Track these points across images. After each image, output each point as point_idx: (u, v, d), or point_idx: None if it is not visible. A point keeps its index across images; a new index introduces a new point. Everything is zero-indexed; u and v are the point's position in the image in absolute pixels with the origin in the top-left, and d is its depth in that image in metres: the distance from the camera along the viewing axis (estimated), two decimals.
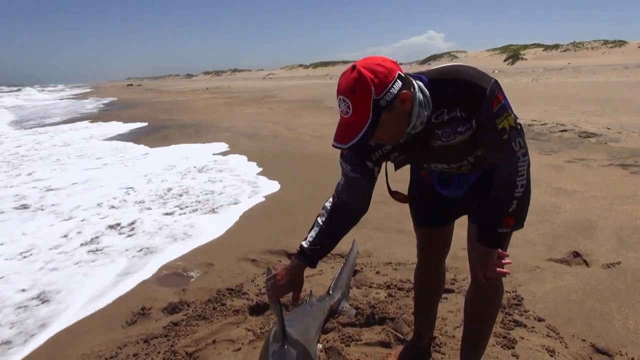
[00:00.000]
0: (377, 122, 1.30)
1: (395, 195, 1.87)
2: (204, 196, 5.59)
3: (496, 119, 1.40)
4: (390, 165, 1.72)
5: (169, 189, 6.03)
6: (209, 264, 3.48)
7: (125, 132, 12.38)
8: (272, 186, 5.83)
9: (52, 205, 5.51)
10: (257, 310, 2.73)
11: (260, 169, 6.81)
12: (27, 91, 63.21)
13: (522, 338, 2.30)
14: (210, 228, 4.41)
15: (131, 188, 6.17)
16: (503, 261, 1.57)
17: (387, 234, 3.80)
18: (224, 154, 8.26)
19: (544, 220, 3.93)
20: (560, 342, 2.28)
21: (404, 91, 1.32)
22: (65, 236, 4.42)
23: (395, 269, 3.19)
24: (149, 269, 3.53)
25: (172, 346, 2.38)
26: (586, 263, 3.16)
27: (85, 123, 15.60)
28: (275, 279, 1.69)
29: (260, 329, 2.49)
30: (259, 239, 3.92)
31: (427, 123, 1.43)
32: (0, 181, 6.99)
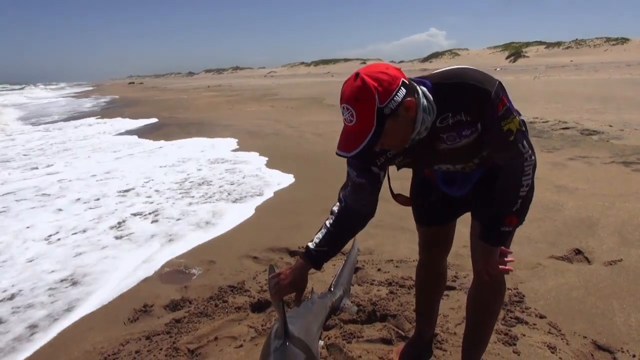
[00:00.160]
0: (381, 130, 1.30)
1: (398, 198, 1.88)
2: (228, 186, 5.90)
3: (502, 122, 1.40)
4: (393, 168, 1.73)
5: (185, 179, 6.38)
6: (210, 261, 3.49)
7: (134, 128, 12.73)
8: (288, 179, 6.04)
9: (75, 194, 5.85)
10: (258, 307, 2.73)
11: (271, 164, 6.97)
12: (31, 89, 63.49)
13: (524, 335, 2.30)
14: (233, 216, 4.65)
15: (150, 179, 6.53)
16: (506, 259, 1.57)
17: (388, 232, 3.80)
18: (234, 150, 8.44)
19: (545, 217, 3.93)
20: (562, 339, 2.28)
21: (408, 98, 1.31)
22: (92, 221, 4.75)
23: (396, 266, 3.19)
24: (173, 253, 3.77)
25: (174, 343, 2.38)
26: (588, 260, 3.16)
27: (93, 119, 16.13)
28: (279, 278, 1.69)
29: (262, 326, 2.49)
30: (261, 236, 3.93)
31: (431, 127, 1.43)
32: (20, 174, 7.28)
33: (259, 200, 5.17)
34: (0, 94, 51.19)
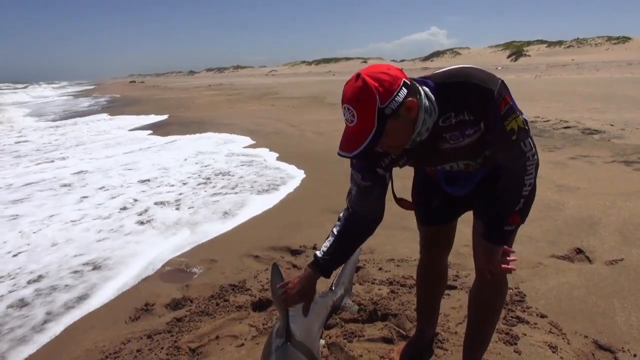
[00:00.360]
0: (382, 130, 1.30)
1: (401, 202, 1.88)
2: (249, 177, 6.18)
3: (504, 121, 1.40)
4: (396, 172, 1.73)
5: (202, 171, 6.69)
6: (211, 260, 3.49)
7: (145, 124, 13.04)
8: (301, 174, 6.20)
9: (95, 184, 6.16)
10: (260, 306, 2.74)
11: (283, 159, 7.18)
12: (34, 88, 63.60)
13: (525, 334, 2.30)
14: (256, 207, 4.86)
15: (166, 169, 6.90)
16: (508, 258, 1.57)
17: (389, 231, 3.80)
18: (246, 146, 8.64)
19: (546, 217, 3.93)
20: (563, 338, 2.28)
21: (410, 98, 1.31)
22: (115, 208, 5.04)
23: (397, 266, 3.19)
24: (193, 241, 3.98)
25: (175, 342, 2.39)
26: (589, 260, 3.15)
27: (104, 115, 16.77)
28: (287, 287, 1.69)
29: (263, 324, 2.49)
30: (262, 235, 3.93)
31: (434, 127, 1.43)
32: (37, 166, 7.66)
33: (283, 192, 5.39)
34: (4, 92, 51.47)
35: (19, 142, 10.75)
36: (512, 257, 1.57)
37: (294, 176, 6.10)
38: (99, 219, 4.71)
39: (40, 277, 3.39)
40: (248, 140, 9.05)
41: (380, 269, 3.15)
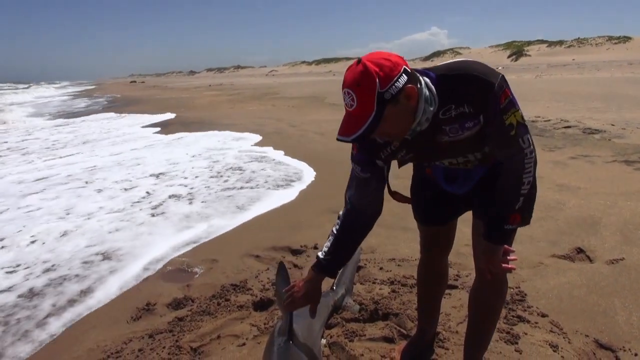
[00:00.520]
0: (381, 115, 1.30)
1: (395, 195, 1.88)
2: (261, 172, 6.37)
3: (504, 115, 1.41)
4: (395, 172, 1.73)
5: (212, 167, 6.91)
6: (213, 260, 3.49)
7: (149, 123, 13.31)
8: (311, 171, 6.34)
9: (107, 179, 6.43)
10: (261, 305, 2.74)
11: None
12: (36, 88, 63.67)
13: (526, 333, 2.30)
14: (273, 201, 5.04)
15: (176, 163, 7.19)
16: (509, 257, 1.57)
17: (390, 231, 3.80)
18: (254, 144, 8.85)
19: (547, 216, 3.93)
20: (564, 337, 2.28)
21: (410, 85, 1.32)
22: (128, 201, 5.29)
23: (398, 265, 3.20)
24: (202, 233, 4.15)
25: (177, 341, 2.39)
26: (590, 259, 3.16)
27: (111, 114, 17.33)
28: (293, 291, 1.69)
29: (265, 324, 2.50)
30: (263, 235, 3.94)
31: (434, 119, 1.44)
32: (48, 162, 7.96)
33: (297, 188, 5.51)
34: (7, 92, 51.69)
35: (26, 140, 11.06)
36: (512, 257, 1.57)
37: (306, 172, 6.27)
38: (113, 212, 4.92)
39: (53, 267, 3.57)
40: (257, 137, 9.38)
41: (381, 268, 3.15)
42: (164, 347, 2.36)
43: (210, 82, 54.16)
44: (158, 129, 11.93)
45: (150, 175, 6.49)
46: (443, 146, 1.54)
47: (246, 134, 9.88)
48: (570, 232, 3.59)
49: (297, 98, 19.66)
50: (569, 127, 8.38)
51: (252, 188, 5.58)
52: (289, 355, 1.67)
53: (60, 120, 16.19)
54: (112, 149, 9.12)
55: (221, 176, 6.30)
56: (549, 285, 2.80)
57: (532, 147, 1.48)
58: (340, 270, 2.51)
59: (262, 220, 4.44)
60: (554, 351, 2.17)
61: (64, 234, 4.30)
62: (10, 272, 3.52)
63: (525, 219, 1.62)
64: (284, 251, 3.57)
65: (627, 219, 3.77)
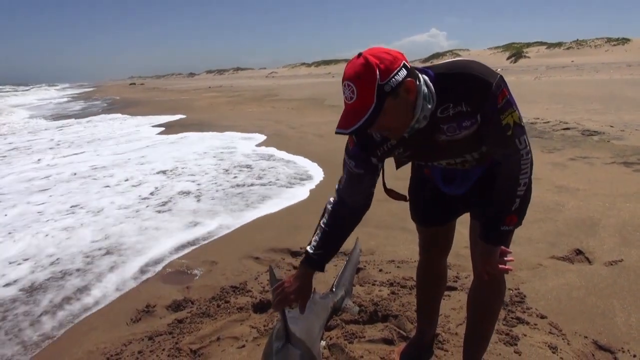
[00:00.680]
0: (381, 107, 1.30)
1: (390, 193, 1.88)
2: (271, 170, 6.55)
3: (501, 114, 1.41)
4: (388, 170, 1.73)
5: (219, 165, 7.13)
6: (212, 262, 3.50)
7: (155, 124, 13.59)
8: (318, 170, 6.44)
9: (115, 175, 6.72)
10: (260, 307, 2.74)
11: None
12: (37, 90, 63.71)
13: (525, 335, 2.31)
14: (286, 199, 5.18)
15: (183, 162, 7.39)
16: (505, 258, 1.57)
17: (389, 232, 3.81)
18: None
19: (546, 218, 3.94)
20: (563, 339, 2.29)
21: (409, 79, 1.33)
22: (136, 197, 5.49)
23: (398, 267, 3.20)
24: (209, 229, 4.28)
25: (176, 343, 2.40)
26: (588, 261, 3.16)
27: (114, 115, 17.70)
28: (283, 287, 1.68)
29: (264, 326, 2.50)
30: (262, 236, 3.94)
31: (432, 117, 1.44)
32: (54, 160, 8.26)
33: (308, 186, 5.62)
34: (7, 94, 51.86)
35: (33, 140, 11.32)
36: (509, 258, 1.58)
37: (315, 171, 6.40)
38: (123, 208, 5.09)
39: (57, 260, 3.72)
40: (261, 137, 9.57)
41: (380, 270, 3.16)
42: (163, 349, 2.36)
43: (210, 84, 54.18)
44: (162, 129, 12.23)
45: (159, 172, 6.75)
46: (441, 145, 1.54)
47: (252, 134, 10.09)
48: (569, 233, 3.60)
49: (297, 100, 19.68)
50: (568, 128, 8.39)
51: (263, 185, 5.75)
52: (287, 358, 1.67)
53: (64, 121, 16.56)
54: (119, 147, 9.43)
55: (229, 173, 6.54)
56: (548, 287, 2.80)
57: (528, 148, 1.49)
58: (340, 272, 2.52)
59: (262, 221, 4.44)
60: (553, 352, 2.17)
61: (72, 228, 4.47)
62: (17, 265, 3.68)
63: (520, 220, 1.62)
64: (283, 253, 3.57)
65: (626, 220, 3.78)
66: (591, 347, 2.22)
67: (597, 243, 3.38)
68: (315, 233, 1.69)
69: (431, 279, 2.10)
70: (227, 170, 6.65)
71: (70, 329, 2.75)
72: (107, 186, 6.10)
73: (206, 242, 3.99)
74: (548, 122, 9.23)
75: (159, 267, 3.50)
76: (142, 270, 3.47)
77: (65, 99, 36.50)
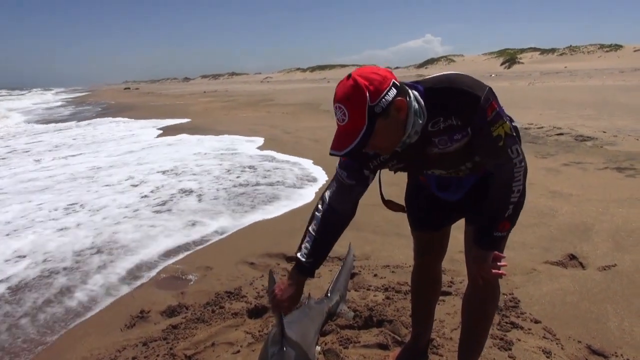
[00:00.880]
0: (373, 128, 1.33)
1: (388, 204, 1.89)
2: (276, 171, 6.69)
3: (491, 127, 1.43)
4: (384, 174, 1.75)
5: (220, 164, 7.32)
6: (207, 267, 3.49)
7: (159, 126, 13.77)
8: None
9: (114, 176, 6.84)
10: (255, 313, 2.74)
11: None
12: (32, 95, 63.48)
13: (519, 340, 2.32)
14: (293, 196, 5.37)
15: (183, 162, 7.52)
16: (499, 263, 1.59)
17: (384, 237, 3.81)
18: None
19: (540, 223, 3.96)
20: (557, 343, 2.30)
21: (399, 98, 1.35)
22: (135, 196, 5.61)
23: (392, 272, 3.21)
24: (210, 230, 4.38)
25: (171, 349, 2.39)
26: (582, 266, 3.18)
27: (119, 118, 18.07)
28: (276, 295, 1.68)
29: (259, 331, 2.50)
30: (257, 242, 3.94)
31: (423, 131, 1.46)
32: (53, 162, 8.44)
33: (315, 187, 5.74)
34: (2, 98, 51.77)
35: (32, 142, 11.55)
36: (502, 263, 1.59)
37: (319, 173, 6.52)
38: (121, 207, 5.20)
39: (51, 260, 3.79)
40: (260, 140, 9.72)
41: (375, 275, 3.16)
42: (158, 355, 2.35)
43: (205, 89, 54.12)
44: (160, 132, 12.46)
45: (164, 172, 6.95)
46: (433, 157, 1.57)
47: (252, 138, 10.24)
48: (563, 238, 3.62)
49: (292, 105, 19.69)
50: (561, 134, 8.45)
51: (270, 185, 5.88)
52: None
53: (63, 124, 16.87)
54: (117, 149, 9.62)
55: (231, 173, 6.71)
56: (542, 292, 2.81)
57: (521, 156, 1.50)
58: (335, 277, 2.52)
59: (257, 226, 4.44)
60: (547, 357, 2.18)
61: (67, 229, 4.54)
62: (14, 263, 3.77)
63: (513, 225, 1.63)
64: (278, 258, 3.57)
65: (619, 225, 3.80)
66: (585, 352, 2.23)
67: (591, 248, 3.40)
68: (304, 240, 1.70)
69: (426, 284, 2.10)
70: (229, 171, 6.85)
71: (64, 334, 2.73)
72: (108, 185, 6.29)
73: (201, 247, 3.98)
74: (542, 127, 9.29)
75: (153, 273, 3.49)
76: (136, 276, 3.46)
77: (60, 103, 36.38)
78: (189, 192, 5.72)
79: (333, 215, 1.68)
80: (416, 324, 2.19)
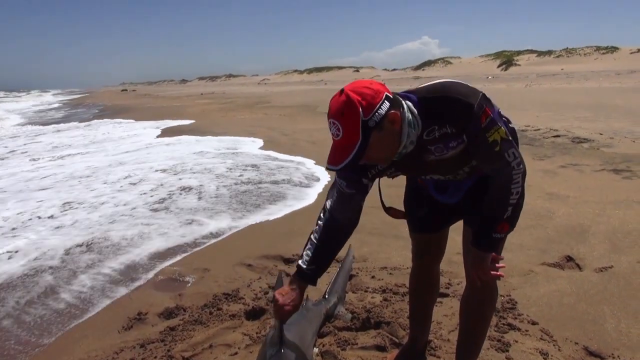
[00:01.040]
0: (367, 143, 1.35)
1: (389, 211, 1.90)
2: (280, 171, 6.80)
3: (486, 133, 1.44)
4: (383, 181, 1.76)
5: (222, 163, 7.46)
6: (205, 269, 3.49)
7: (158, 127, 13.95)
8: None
9: (111, 175, 6.95)
10: (253, 314, 2.74)
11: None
12: (28, 98, 63.39)
13: (516, 341, 2.32)
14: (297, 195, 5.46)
15: (184, 163, 7.59)
16: (497, 265, 1.59)
17: (382, 239, 3.82)
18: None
19: (537, 225, 3.97)
20: (554, 345, 2.30)
21: (392, 111, 1.37)
22: (133, 194, 5.72)
23: (390, 274, 3.21)
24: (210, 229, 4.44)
25: (168, 351, 2.38)
26: (579, 267, 3.19)
27: (117, 119, 18.29)
28: (278, 303, 1.67)
29: (257, 333, 2.50)
30: (255, 243, 3.93)
31: (419, 140, 1.48)
32: (51, 162, 8.53)
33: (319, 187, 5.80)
34: (3, 100, 51.82)
35: (28, 144, 11.62)
36: (500, 264, 1.60)
37: (322, 173, 6.55)
38: (119, 205, 5.30)
39: (52, 258, 3.83)
40: (260, 142, 9.80)
41: (373, 277, 3.16)
42: (155, 357, 2.35)
43: (202, 91, 54.05)
44: (159, 132, 12.60)
45: (158, 171, 7.02)
46: (430, 164, 1.58)
47: (251, 138, 10.40)
48: (560, 240, 3.63)
49: (289, 107, 19.70)
50: (558, 136, 8.48)
51: (275, 183, 5.96)
52: None
53: (61, 125, 17.06)
54: (117, 149, 9.78)
55: (232, 172, 6.77)
56: (539, 293, 2.82)
57: (518, 159, 1.50)
58: (332, 279, 2.52)
59: (255, 228, 4.44)
60: (544, 359, 2.19)
61: (62, 226, 4.60)
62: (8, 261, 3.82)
63: (511, 227, 1.64)
64: (276, 260, 3.57)
65: (615, 227, 3.81)
66: (582, 353, 2.24)
67: (588, 250, 3.41)
68: (306, 247, 1.70)
69: (424, 286, 2.10)
70: (230, 169, 6.98)
71: (61, 336, 2.72)
72: (106, 182, 6.44)
73: (199, 249, 3.98)
74: (538, 129, 9.32)
75: (151, 274, 3.49)
76: (134, 277, 3.45)
77: (57, 105, 36.31)
78: (188, 189, 5.84)
79: (334, 224, 1.68)
80: (414, 326, 2.19)
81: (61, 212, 5.09)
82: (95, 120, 18.44)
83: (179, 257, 3.79)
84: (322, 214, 1.71)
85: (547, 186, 5.19)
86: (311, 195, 5.42)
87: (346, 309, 2.61)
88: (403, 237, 3.60)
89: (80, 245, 4.07)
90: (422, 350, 2.23)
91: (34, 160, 8.78)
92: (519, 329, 2.43)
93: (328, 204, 1.70)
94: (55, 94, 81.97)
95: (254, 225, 4.51)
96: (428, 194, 1.85)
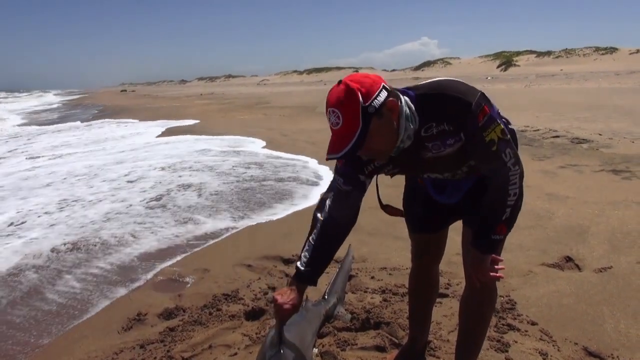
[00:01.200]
0: (367, 129, 1.35)
1: (386, 209, 1.90)
2: (285, 169, 6.90)
3: (483, 132, 1.44)
4: (382, 179, 1.76)
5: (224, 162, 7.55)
6: (204, 269, 3.49)
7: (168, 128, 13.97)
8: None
9: (108, 174, 7.06)
10: (253, 315, 2.74)
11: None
12: (28, 98, 63.48)
13: (516, 342, 2.32)
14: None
15: (184, 161, 7.71)
16: (496, 266, 1.59)
17: (381, 240, 3.82)
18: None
19: (536, 225, 3.97)
20: (553, 345, 2.31)
21: (391, 99, 1.37)
22: (132, 192, 5.80)
23: (390, 274, 3.21)
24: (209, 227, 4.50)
25: (168, 351, 2.38)
26: (578, 268, 3.19)
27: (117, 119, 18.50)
28: (277, 304, 1.67)
29: (257, 334, 2.50)
30: (254, 244, 3.93)
31: (416, 136, 1.48)
32: (50, 161, 8.61)
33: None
34: (4, 100, 51.92)
35: (27, 144, 11.70)
36: (500, 266, 1.60)
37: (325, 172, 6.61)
38: (117, 202, 5.39)
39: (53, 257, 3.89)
40: (262, 142, 9.86)
41: (372, 277, 3.16)
42: (155, 358, 2.35)
43: (202, 91, 54.02)
44: (159, 132, 12.64)
45: (158, 169, 7.15)
46: (428, 161, 1.58)
47: (252, 138, 10.48)
48: (559, 240, 3.63)
49: (288, 107, 19.71)
50: (557, 136, 8.48)
51: (280, 180, 6.04)
52: None
53: (61, 125, 17.28)
54: (117, 148, 9.86)
55: (234, 170, 6.89)
56: (539, 294, 2.82)
57: (515, 159, 1.50)
58: (332, 279, 2.52)
59: (255, 228, 4.44)
60: (544, 359, 2.19)
61: (60, 224, 4.67)
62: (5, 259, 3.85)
63: (509, 228, 1.64)
64: (275, 260, 3.57)
65: (614, 227, 3.82)
66: (581, 354, 2.24)
67: (587, 250, 3.41)
68: (304, 249, 1.69)
69: (423, 286, 2.11)
70: (233, 168, 7.08)
71: (60, 337, 2.72)
72: (104, 180, 6.55)
73: (198, 249, 3.98)
74: (538, 130, 9.32)
75: (150, 275, 3.49)
76: (133, 278, 3.45)
77: (56, 105, 36.32)
78: (188, 186, 5.93)
79: (332, 223, 1.67)
80: (413, 326, 2.19)
81: (58, 209, 5.17)
82: (96, 121, 18.52)
83: (178, 258, 3.79)
84: (319, 214, 1.70)
85: (547, 187, 5.19)
86: (314, 196, 5.43)
87: (346, 310, 2.61)
88: (402, 238, 3.59)
89: (80, 245, 4.07)
90: (422, 351, 2.23)
91: (33, 158, 8.90)
92: (518, 330, 2.43)
93: (327, 203, 1.70)
94: (56, 94, 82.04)
95: (254, 226, 4.51)
96: (427, 194, 1.85)
